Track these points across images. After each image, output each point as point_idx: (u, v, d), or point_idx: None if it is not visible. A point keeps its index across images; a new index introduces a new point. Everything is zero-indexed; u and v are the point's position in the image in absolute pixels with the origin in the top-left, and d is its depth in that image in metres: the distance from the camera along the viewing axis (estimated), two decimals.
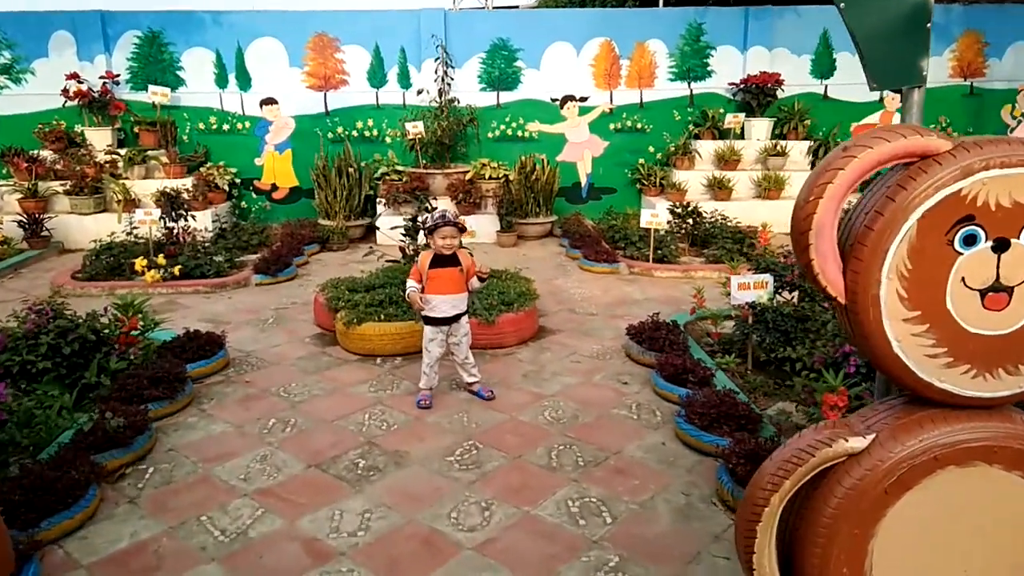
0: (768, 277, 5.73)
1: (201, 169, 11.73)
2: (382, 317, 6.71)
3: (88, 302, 8.29)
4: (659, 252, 9.44)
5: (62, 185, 11.11)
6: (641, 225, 9.27)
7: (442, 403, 5.61)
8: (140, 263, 8.81)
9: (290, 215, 12.07)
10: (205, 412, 5.51)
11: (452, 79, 11.80)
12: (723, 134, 12.09)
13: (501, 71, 12.07)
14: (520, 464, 4.69)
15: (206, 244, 10.59)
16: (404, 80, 12.13)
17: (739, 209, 10.78)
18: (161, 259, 8.91)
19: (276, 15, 11.86)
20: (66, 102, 11.41)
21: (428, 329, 5.52)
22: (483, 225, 11.12)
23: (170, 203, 9.61)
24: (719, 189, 11.34)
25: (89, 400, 5.38)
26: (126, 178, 11.40)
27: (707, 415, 4.84)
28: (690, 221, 10.15)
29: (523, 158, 11.32)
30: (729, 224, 10.01)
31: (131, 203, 11.07)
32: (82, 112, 11.59)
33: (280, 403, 5.66)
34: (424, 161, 11.73)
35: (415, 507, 4.21)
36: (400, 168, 11.53)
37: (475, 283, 5.50)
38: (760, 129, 11.91)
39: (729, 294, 6.80)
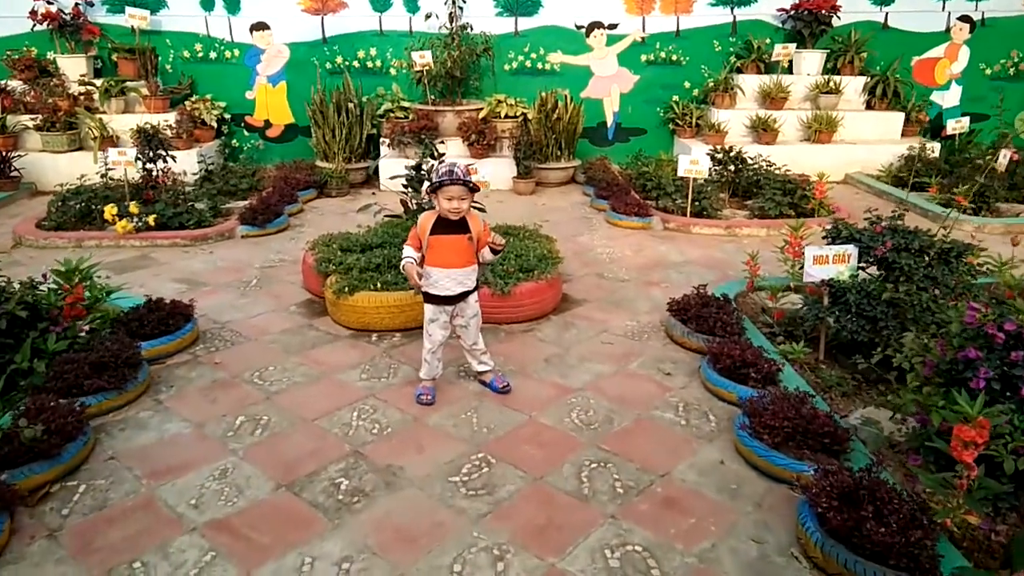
0: (851, 249, 4.64)
1: (186, 103, 10.58)
2: (378, 285, 5.69)
3: (52, 255, 7.34)
4: (697, 204, 8.30)
5: (32, 120, 10.01)
6: (678, 174, 8.11)
7: (447, 397, 4.64)
8: (110, 211, 7.79)
9: (286, 155, 10.95)
10: (161, 405, 4.57)
11: (464, 2, 10.47)
12: (769, 68, 10.77)
13: None
14: (542, 489, 3.72)
15: (189, 188, 9.55)
16: (411, 3, 10.81)
17: (785, 154, 9.58)
18: (134, 207, 7.87)
19: None
20: (35, 25, 10.22)
21: (428, 308, 4.50)
22: (498, 170, 9.98)
23: (147, 141, 8.51)
24: (763, 131, 10.10)
25: (19, 391, 4.43)
26: (103, 112, 10.29)
27: (778, 429, 3.83)
28: (731, 168, 8.97)
29: (544, 94, 10.09)
30: (776, 172, 8.82)
31: (108, 141, 9.99)
32: (53, 37, 10.40)
33: (253, 393, 4.70)
34: (432, 97, 10.52)
35: (408, 553, 3.27)
36: (406, 104, 10.33)
37: (487, 255, 4.45)
38: (811, 63, 10.58)
39: (788, 260, 5.75)
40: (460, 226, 4.33)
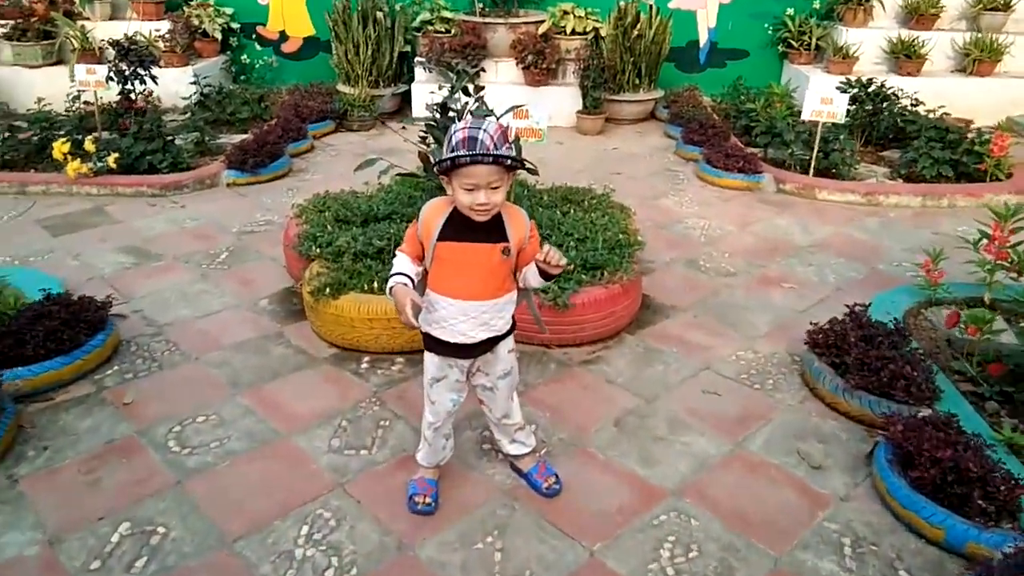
0: None
1: (185, 8, 8.71)
2: (374, 284, 3.89)
3: None
4: (822, 158, 6.18)
5: (2, 27, 8.30)
6: (804, 117, 5.98)
7: (457, 499, 2.89)
8: (60, 148, 6.08)
9: (304, 75, 9.06)
10: (14, 488, 2.91)
11: None
12: None
13: None
14: None
15: (180, 117, 7.80)
16: None
17: (931, 89, 7.33)
18: (89, 143, 6.15)
19: None
20: None
21: (432, 361, 2.70)
22: (559, 102, 7.94)
23: (123, 55, 6.72)
24: (905, 58, 7.77)
25: None
26: (85, 18, 8.50)
27: None
28: (868, 108, 6.76)
29: (623, 3, 7.90)
30: (929, 114, 6.58)
31: (90, 54, 8.26)
32: None
33: (159, 472, 3.04)
34: (481, 5, 8.41)
35: None
36: (448, 15, 8.25)
37: (533, 279, 2.57)
38: None
39: (986, 264, 3.76)
40: (490, 230, 2.48)
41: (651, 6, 8.01)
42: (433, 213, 2.50)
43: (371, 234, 4.31)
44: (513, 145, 2.40)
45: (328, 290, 3.83)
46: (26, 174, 6.24)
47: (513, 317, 2.68)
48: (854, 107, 6.65)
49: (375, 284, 3.89)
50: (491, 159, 2.28)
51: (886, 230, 5.47)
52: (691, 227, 5.52)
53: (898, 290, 4.30)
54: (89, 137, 6.22)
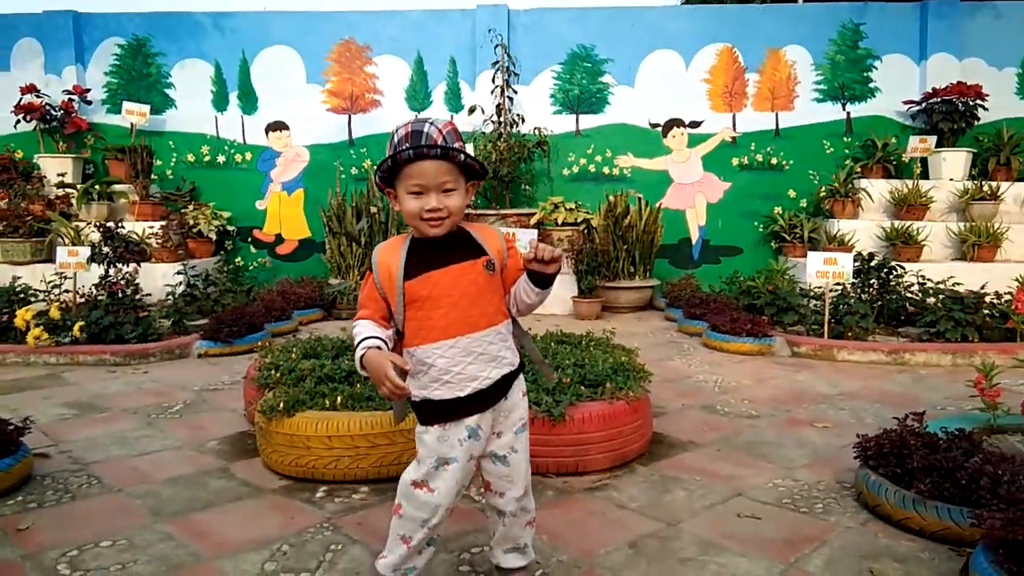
0: None
1: (185, 210, 8.82)
2: (338, 400, 3.32)
3: None
4: (835, 326, 5.83)
5: None
6: (808, 278, 5.71)
7: None
8: (23, 315, 5.73)
9: (298, 275, 8.96)
10: None
11: (515, 92, 8.71)
12: (899, 171, 8.54)
13: (582, 88, 8.95)
14: None
15: (164, 302, 7.54)
16: (454, 100, 9.15)
17: (936, 273, 7.11)
18: (55, 310, 5.81)
19: (292, 17, 9.13)
20: (17, 121, 8.79)
21: (435, 439, 2.07)
22: (554, 289, 7.70)
23: (107, 237, 6.61)
24: (903, 244, 7.70)
25: None
26: (79, 219, 8.56)
27: None
28: (874, 283, 6.52)
29: (612, 197, 8.02)
30: (940, 287, 6.32)
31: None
32: (41, 136, 8.96)
33: None
34: (473, 201, 8.54)
35: None
36: None
37: (527, 294, 2.09)
38: (954, 164, 8.32)
39: None
40: (464, 248, 2.05)
41: (640, 199, 8.11)
42: (388, 253, 2.05)
43: (340, 362, 3.81)
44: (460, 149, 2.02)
45: (282, 406, 3.25)
46: None
47: (521, 351, 2.19)
48: (859, 280, 6.41)
49: (339, 400, 3.33)
50: (438, 151, 1.91)
51: (920, 384, 4.94)
52: (703, 381, 5.00)
53: (952, 418, 3.70)
54: (55, 303, 5.89)
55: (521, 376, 2.18)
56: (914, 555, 2.53)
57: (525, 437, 2.16)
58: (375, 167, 1.99)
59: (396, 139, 1.94)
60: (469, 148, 7.99)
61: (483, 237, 2.08)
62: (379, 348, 1.95)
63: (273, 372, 3.76)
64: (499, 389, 2.07)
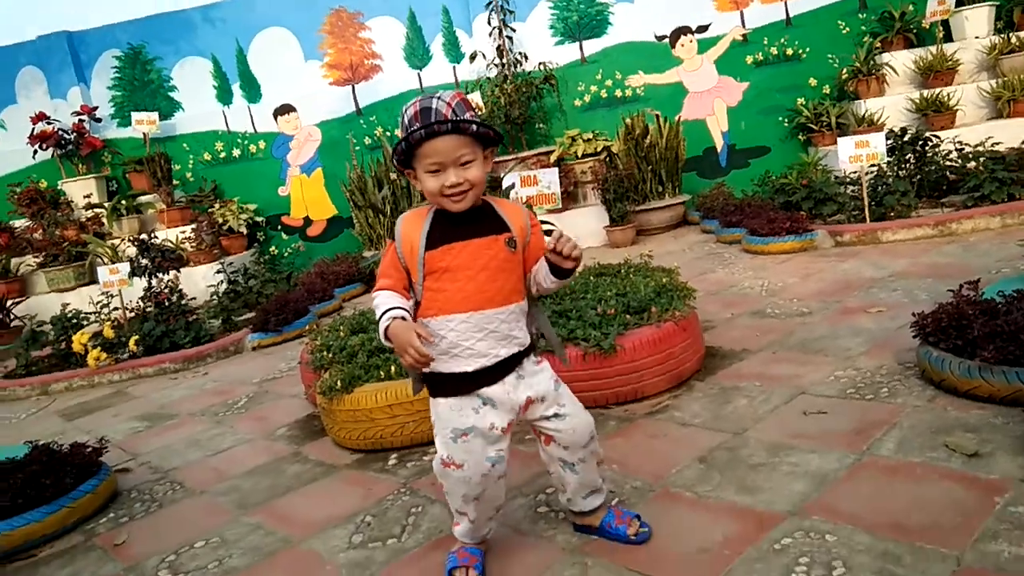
0: None
1: (211, 210, 8.91)
2: (392, 371, 3.37)
3: (5, 411, 5.50)
4: (875, 208, 5.69)
5: (36, 258, 8.54)
6: (841, 164, 5.57)
7: (508, 570, 2.17)
8: (79, 340, 5.90)
9: (333, 253, 9.03)
10: None
11: (513, 30, 8.52)
12: (921, 40, 8.19)
13: (580, 13, 8.71)
14: None
15: (209, 303, 7.68)
16: (453, 50, 9.00)
17: (973, 137, 6.85)
18: (108, 330, 5.97)
19: None
20: (35, 152, 8.93)
21: (446, 410, 2.08)
22: (586, 223, 7.68)
23: (143, 250, 6.74)
24: (935, 113, 7.42)
25: None
26: (113, 236, 8.72)
27: None
28: (910, 157, 6.32)
29: (629, 119, 7.87)
30: (976, 147, 6.10)
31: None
32: (60, 162, 9.09)
33: None
34: None
35: None
36: None
37: (546, 280, 2.08)
38: (977, 21, 7.95)
39: None
40: (487, 222, 2.03)
41: (657, 116, 7.94)
42: (411, 223, 2.03)
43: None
44: (474, 119, 1.98)
45: (340, 385, 3.31)
46: (48, 375, 6.02)
47: (532, 332, 2.16)
48: (894, 157, 6.22)
49: (392, 370, 3.37)
50: (449, 126, 1.86)
51: (970, 252, 4.82)
52: (748, 287, 4.94)
53: (1008, 280, 3.61)
54: (107, 323, 6.05)
55: (532, 352, 2.14)
56: (986, 422, 2.50)
57: (565, 389, 2.14)
58: (392, 149, 1.96)
59: (407, 120, 1.91)
60: (476, 96, 7.93)
61: (507, 213, 2.05)
62: (403, 318, 1.94)
63: (325, 353, 3.82)
64: (506, 367, 2.05)
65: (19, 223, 8.91)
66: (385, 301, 1.99)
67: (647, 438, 2.90)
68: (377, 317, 1.98)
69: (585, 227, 7.65)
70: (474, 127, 1.89)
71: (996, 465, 2.22)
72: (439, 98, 1.90)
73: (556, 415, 2.10)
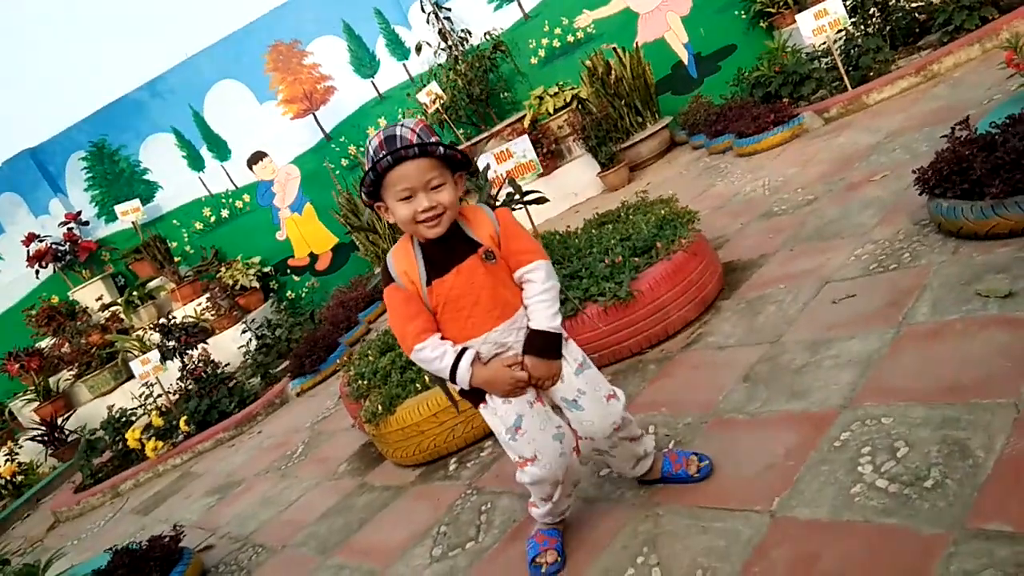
0: None
1: (218, 275, 8.99)
2: (427, 379, 3.39)
3: (85, 523, 5.62)
4: (852, 73, 5.57)
5: (70, 371, 8.69)
6: (807, 37, 5.45)
7: (585, 540, 2.22)
8: (133, 436, 6.01)
9: (346, 281, 9.06)
10: None
11: (449, 9, 8.41)
12: None
13: None
14: None
15: (237, 369, 7.76)
16: (398, 48, 8.91)
17: None
18: (156, 419, 6.07)
19: (217, 49, 8.97)
20: (37, 271, 9.06)
21: (494, 408, 2.07)
22: (578, 176, 7.62)
23: (165, 332, 6.84)
24: None
25: None
26: (135, 328, 8.84)
27: None
28: (873, 11, 6.16)
29: (589, 61, 7.75)
30: None
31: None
32: (64, 273, 9.22)
33: None
34: (463, 131, 8.38)
35: None
36: None
37: (534, 283, 2.04)
38: None
39: None
40: (457, 244, 1.98)
41: (615, 49, 7.82)
42: (403, 259, 1.99)
43: None
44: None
45: (382, 408, 3.34)
46: (115, 478, 6.14)
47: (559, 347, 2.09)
48: (857, 17, 6.06)
49: (427, 379, 3.39)
50: (416, 150, 1.83)
51: (959, 88, 4.70)
52: (751, 192, 4.88)
53: (998, 108, 3.52)
54: (154, 412, 6.16)
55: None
56: (1014, 258, 2.45)
57: (588, 376, 2.08)
58: (360, 182, 1.93)
59: (371, 151, 1.87)
60: (433, 85, 7.86)
61: (473, 226, 2.00)
62: (478, 356, 1.98)
63: (361, 381, 3.85)
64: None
65: (44, 343, 9.06)
66: (440, 351, 1.96)
67: (688, 371, 2.89)
68: (445, 367, 1.96)
69: (578, 180, 7.60)
70: (441, 149, 1.86)
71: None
72: (403, 125, 1.88)
73: (575, 402, 2.06)
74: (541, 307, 1.98)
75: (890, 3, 6.12)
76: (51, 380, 8.77)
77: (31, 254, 8.85)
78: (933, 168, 2.86)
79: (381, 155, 1.83)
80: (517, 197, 3.86)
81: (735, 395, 2.53)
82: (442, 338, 1.98)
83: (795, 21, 6.97)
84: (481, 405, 2.08)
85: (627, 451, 2.17)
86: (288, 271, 9.50)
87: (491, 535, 2.50)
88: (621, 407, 2.10)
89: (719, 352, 2.91)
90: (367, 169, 1.88)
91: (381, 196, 1.92)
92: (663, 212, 3.76)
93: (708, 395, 2.62)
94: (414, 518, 2.92)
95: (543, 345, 1.98)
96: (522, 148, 4.11)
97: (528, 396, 2.04)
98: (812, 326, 2.72)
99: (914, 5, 6.19)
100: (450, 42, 8.29)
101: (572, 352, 2.10)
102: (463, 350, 1.95)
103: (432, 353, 1.96)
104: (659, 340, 3.23)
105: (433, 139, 1.88)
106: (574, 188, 7.64)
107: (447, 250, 1.95)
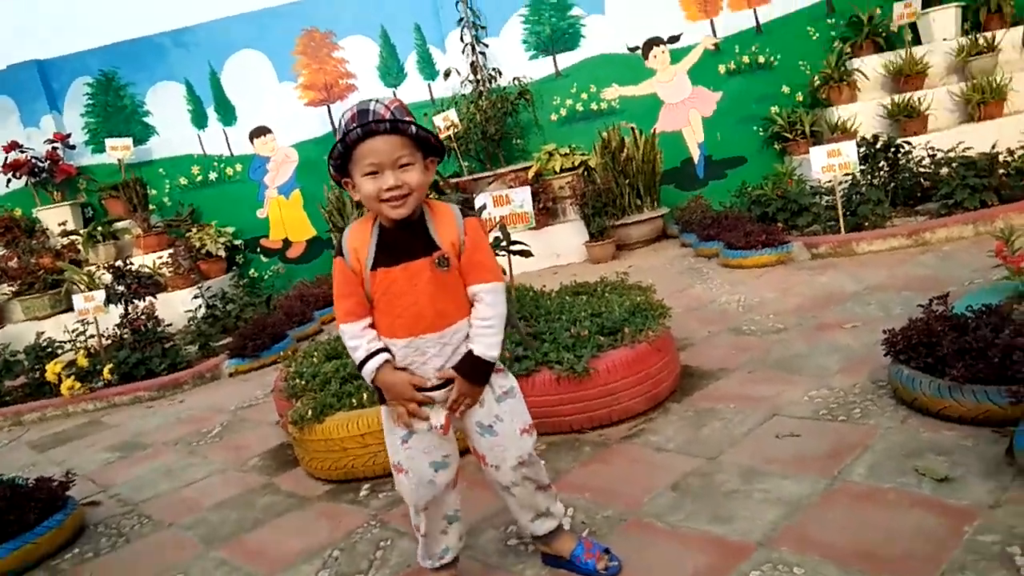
0: None
1: (188, 234, 8.83)
2: (366, 398, 3.33)
3: None
4: (850, 218, 5.72)
5: (11, 286, 8.43)
6: (816, 174, 5.59)
7: None
8: (52, 369, 5.82)
9: (313, 276, 8.95)
10: None
11: (486, 45, 8.52)
12: (890, 43, 8.26)
13: (552, 27, 8.72)
14: None
15: (179, 332, 7.57)
16: (427, 68, 8.97)
17: (945, 142, 6.89)
18: (82, 358, 5.90)
19: (251, 18, 8.98)
20: (9, 180, 8.84)
21: (387, 413, 2.11)
22: (567, 239, 7.69)
23: (119, 276, 6.66)
24: (907, 118, 7.47)
25: None
26: (89, 264, 8.62)
27: None
28: (883, 165, 6.36)
29: (605, 133, 7.87)
30: (949, 152, 6.14)
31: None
32: (35, 190, 9.00)
33: None
34: (467, 164, 8.42)
35: None
36: (437, 180, 8.26)
37: (484, 307, 2.02)
38: (944, 23, 8.02)
39: None
40: (419, 239, 1.97)
41: (633, 128, 7.96)
42: (358, 238, 1.99)
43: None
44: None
45: (311, 413, 3.28)
46: (22, 405, 5.94)
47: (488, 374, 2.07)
48: (867, 166, 6.25)
49: (366, 397, 3.34)
50: (388, 125, 1.83)
51: (945, 262, 4.83)
52: (726, 303, 4.94)
53: (978, 293, 3.62)
54: (82, 351, 5.98)
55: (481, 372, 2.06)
56: (958, 444, 2.49)
57: (510, 405, 2.08)
58: (328, 155, 1.92)
59: (343, 123, 1.87)
60: (451, 112, 7.91)
61: (438, 226, 1.97)
62: (388, 360, 1.97)
63: (299, 380, 3.78)
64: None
65: None
66: (359, 344, 1.98)
67: (622, 464, 2.87)
68: (356, 359, 1.99)
69: (565, 243, 7.66)
70: (413, 128, 1.86)
71: (966, 491, 2.21)
72: (378, 101, 1.88)
73: (490, 427, 2.06)
74: (487, 334, 1.98)
75: (900, 162, 6.31)
76: None
77: (7, 162, 8.63)
78: (904, 333, 2.92)
79: (352, 127, 1.83)
80: (504, 244, 3.86)
81: (661, 500, 2.52)
82: (371, 325, 1.99)
83: (808, 152, 7.17)
84: (385, 404, 2.07)
85: (529, 496, 2.14)
86: (258, 250, 9.37)
87: (381, 573, 2.44)
88: (531, 443, 2.10)
89: (657, 453, 2.90)
90: (336, 140, 1.87)
91: (349, 171, 1.91)
92: (638, 299, 3.79)
93: (635, 493, 2.60)
94: (310, 534, 2.84)
95: (475, 370, 1.98)
96: (521, 198, 4.11)
97: (433, 418, 2.02)
98: (752, 454, 2.73)
99: (921, 170, 6.40)
100: (479, 76, 8.37)
101: (500, 381, 2.09)
102: (377, 351, 1.97)
103: (350, 341, 2.00)
104: (602, 424, 3.22)
105: (407, 118, 1.87)
106: (559, 250, 7.69)
107: (403, 242, 1.94)
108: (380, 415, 3.10)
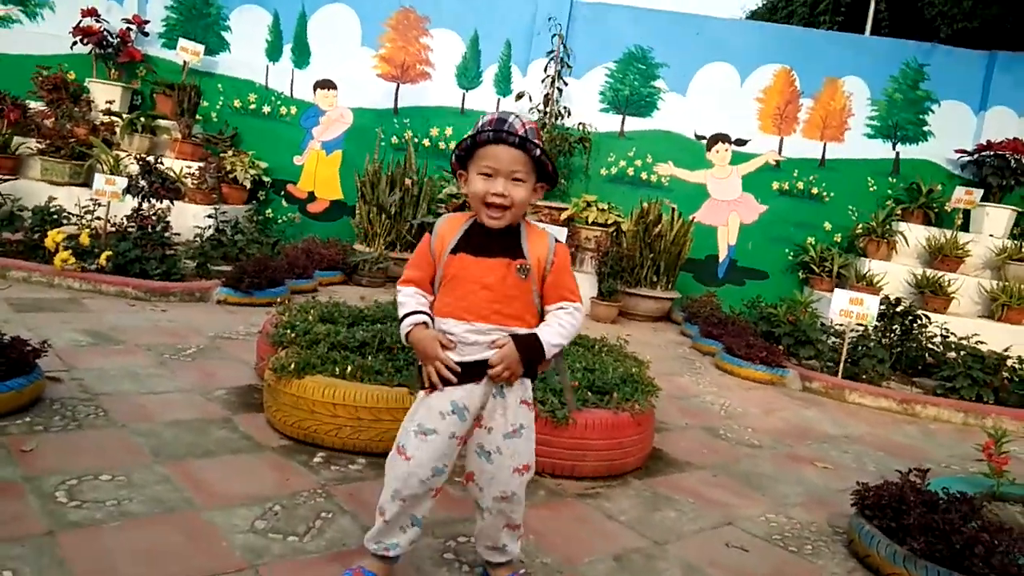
0: None
1: (222, 155, 8.87)
2: (349, 369, 3.35)
3: None
4: (850, 366, 5.79)
5: (39, 143, 8.43)
6: (831, 315, 5.67)
7: None
8: (53, 237, 5.82)
9: (326, 235, 8.97)
10: None
11: (566, 84, 8.67)
12: (940, 220, 8.44)
13: (633, 90, 8.89)
14: None
15: (183, 244, 7.57)
16: (503, 83, 9.12)
17: (962, 328, 7.00)
18: (85, 236, 5.90)
19: None
20: (75, 43, 8.89)
21: (426, 403, 2.14)
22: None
23: (145, 171, 6.68)
24: (932, 294, 7.61)
25: None
26: (121, 149, 8.64)
27: None
28: (896, 328, 6.45)
29: (646, 203, 7.99)
30: (963, 342, 6.25)
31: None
32: (95, 61, 9.04)
33: (28, 519, 2.36)
34: None
35: None
36: None
37: (556, 328, 2.12)
38: (997, 220, 8.21)
39: None
40: (509, 247, 2.09)
41: (673, 209, 8.08)
42: (450, 226, 2.15)
43: (356, 332, 3.84)
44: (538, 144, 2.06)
45: (293, 367, 3.29)
46: (11, 260, 5.91)
47: (534, 363, 2.13)
48: (882, 323, 6.35)
49: (349, 369, 3.36)
50: (516, 140, 1.99)
51: (928, 438, 4.90)
52: (710, 403, 4.99)
53: (956, 479, 3.67)
54: (86, 229, 5.98)
55: (528, 383, 2.17)
56: None
57: (515, 445, 2.13)
58: (456, 144, 2.07)
59: (481, 123, 2.04)
60: None
61: (531, 240, 2.12)
62: (426, 323, 2.09)
63: (288, 332, 3.80)
64: (479, 371, 2.08)
65: (34, 105, 8.81)
66: (408, 301, 2.14)
67: (572, 519, 2.90)
68: (400, 315, 2.14)
69: None
70: (538, 151, 2.01)
71: None
72: (517, 116, 2.05)
73: (489, 454, 2.12)
74: (557, 330, 2.09)
75: (913, 331, 6.41)
76: (16, 139, 8.48)
77: (80, 26, 8.69)
78: (876, 491, 2.96)
79: (487, 129, 2.00)
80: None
81: (600, 567, 2.54)
82: (426, 298, 2.15)
83: (830, 290, 7.29)
84: (423, 392, 2.14)
85: (498, 528, 2.18)
86: (282, 193, 9.41)
87: (315, 543, 2.44)
88: (520, 482, 2.15)
89: (607, 520, 2.93)
90: (468, 135, 2.03)
91: (467, 166, 2.08)
92: (633, 369, 3.83)
93: (576, 552, 2.63)
94: (256, 482, 2.84)
95: (528, 348, 2.06)
96: (555, 234, 4.17)
97: (456, 428, 2.08)
98: (698, 553, 2.75)
99: (930, 346, 6.50)
100: (549, 109, 8.50)
101: (523, 417, 2.15)
102: (420, 312, 2.10)
103: (402, 297, 2.16)
104: (563, 475, 3.24)
105: (536, 140, 2.03)
106: None
107: (491, 241, 2.08)
108: (359, 392, 3.18)
